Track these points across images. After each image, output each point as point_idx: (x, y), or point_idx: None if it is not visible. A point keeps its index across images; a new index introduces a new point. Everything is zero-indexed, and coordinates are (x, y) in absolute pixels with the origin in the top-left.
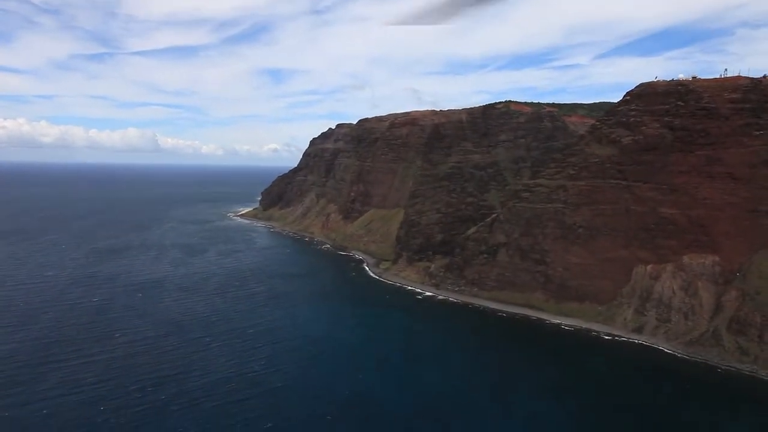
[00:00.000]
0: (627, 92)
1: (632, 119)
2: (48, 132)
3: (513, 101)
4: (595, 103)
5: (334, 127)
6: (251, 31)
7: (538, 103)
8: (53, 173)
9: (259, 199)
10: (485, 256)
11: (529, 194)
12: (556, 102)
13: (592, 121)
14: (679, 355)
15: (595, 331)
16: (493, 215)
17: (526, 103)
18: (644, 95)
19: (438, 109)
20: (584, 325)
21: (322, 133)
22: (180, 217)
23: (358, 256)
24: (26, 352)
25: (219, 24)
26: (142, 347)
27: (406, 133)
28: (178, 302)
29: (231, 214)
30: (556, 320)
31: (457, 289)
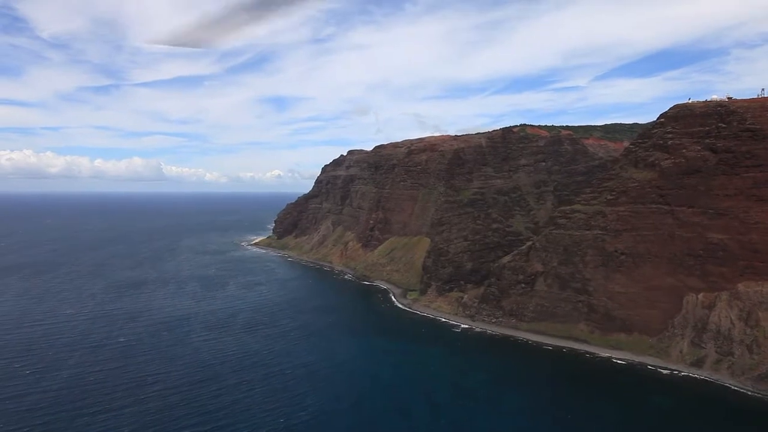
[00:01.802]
0: (661, 114)
1: (670, 142)
2: (54, 163)
3: (528, 125)
4: (608, 124)
5: (345, 154)
6: (254, 61)
7: (553, 126)
8: (60, 203)
9: (272, 227)
10: (523, 285)
11: (565, 221)
12: (556, 124)
13: (610, 144)
14: (750, 393)
15: (650, 366)
16: (529, 243)
17: (541, 126)
18: (681, 117)
19: (454, 134)
20: (636, 358)
21: (333, 160)
22: (193, 247)
23: (383, 286)
24: (53, 403)
25: (223, 54)
26: (177, 397)
27: (425, 159)
28: (207, 342)
29: (244, 243)
30: (605, 353)
31: (494, 320)
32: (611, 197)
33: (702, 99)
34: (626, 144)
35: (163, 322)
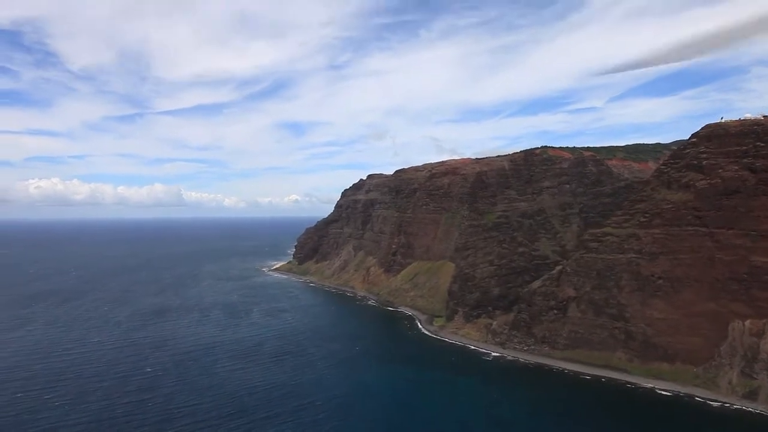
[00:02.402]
0: (693, 134)
1: (705, 162)
2: (80, 190)
3: (549, 146)
4: (630, 145)
5: (364, 178)
6: (272, 88)
7: (574, 147)
8: (84, 230)
9: (292, 252)
10: (555, 311)
11: (597, 244)
12: (576, 145)
13: (635, 164)
14: None
15: (699, 398)
16: (559, 267)
17: (562, 148)
18: (715, 137)
19: (473, 157)
20: (682, 389)
21: (353, 185)
22: (214, 273)
23: (407, 311)
24: None
25: (241, 82)
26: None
27: (447, 183)
28: (234, 373)
29: (265, 269)
30: (648, 384)
31: (526, 348)
32: (644, 219)
33: (722, 117)
34: (651, 164)
35: (189, 352)
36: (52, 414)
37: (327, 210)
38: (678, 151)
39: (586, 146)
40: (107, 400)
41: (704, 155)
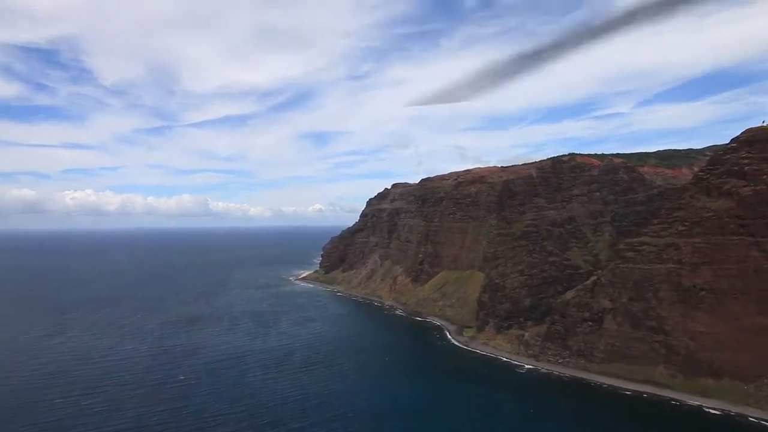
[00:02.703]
0: (733, 139)
1: (747, 168)
2: (112, 200)
3: (577, 153)
4: (661, 151)
5: (389, 187)
6: (295, 99)
7: (603, 154)
8: (116, 239)
9: (317, 260)
10: (590, 323)
11: (633, 254)
12: (603, 152)
13: (667, 171)
14: None
15: (752, 418)
16: (593, 277)
17: (590, 155)
18: (757, 141)
19: (498, 165)
20: (733, 408)
21: (378, 194)
22: (242, 282)
23: (436, 322)
24: None
25: (266, 94)
26: None
27: (474, 191)
28: (265, 383)
29: (292, 278)
30: (694, 401)
31: (560, 361)
32: (683, 228)
33: (764, 120)
34: (685, 171)
35: (220, 360)
36: (91, 420)
37: (350, 219)
38: (717, 157)
39: (615, 153)
40: (143, 407)
41: (746, 161)
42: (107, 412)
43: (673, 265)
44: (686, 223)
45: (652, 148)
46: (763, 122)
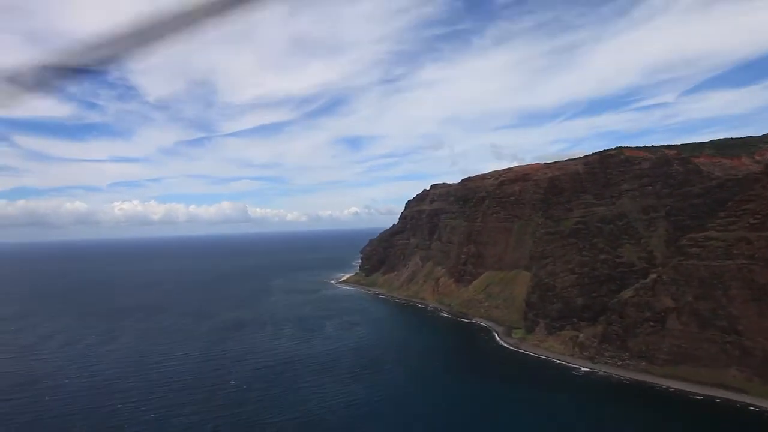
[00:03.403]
0: None
1: None
2: (156, 210)
3: (625, 147)
4: (717, 140)
5: (428, 188)
6: (329, 105)
7: (652, 146)
8: (162, 246)
9: (357, 263)
10: (651, 323)
11: (698, 250)
12: (652, 145)
13: (726, 161)
14: None
15: None
16: (653, 275)
17: (638, 148)
18: None
19: (544, 162)
20: None
21: (417, 195)
22: (283, 287)
23: (483, 323)
24: None
25: (300, 101)
26: None
27: (518, 190)
28: (314, 389)
29: (333, 281)
30: None
31: (620, 363)
32: (755, 221)
33: None
34: (746, 160)
35: (269, 366)
36: (151, 427)
37: (386, 221)
38: None
39: (664, 145)
40: (198, 414)
41: None
42: (164, 419)
43: (744, 261)
44: (758, 216)
45: (701, 138)
46: None
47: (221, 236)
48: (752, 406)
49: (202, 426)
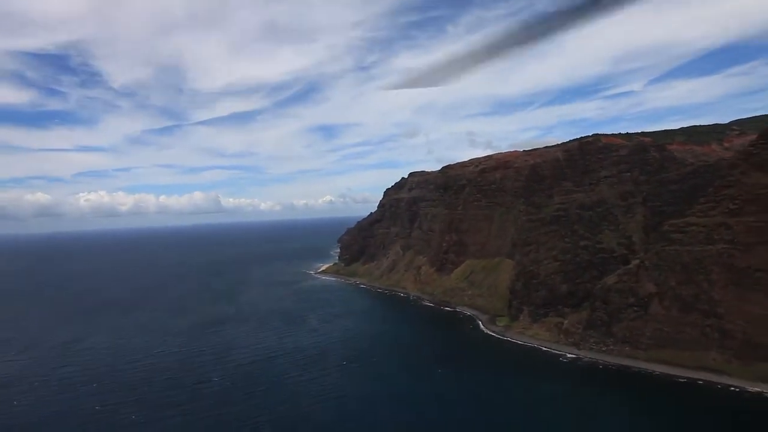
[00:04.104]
0: None
1: None
2: (125, 201)
3: (602, 134)
4: (687, 127)
5: (406, 176)
6: (302, 92)
7: (627, 133)
8: (131, 239)
9: (335, 253)
10: (635, 308)
11: (680, 235)
12: (627, 132)
13: (697, 148)
14: None
15: None
16: (636, 261)
17: (614, 135)
18: None
19: (524, 150)
20: None
21: (395, 183)
22: (262, 278)
23: (467, 312)
24: None
25: (272, 89)
26: None
27: (499, 177)
28: (302, 385)
29: (312, 272)
30: (754, 387)
31: (604, 348)
32: (734, 206)
33: None
34: (716, 147)
35: (253, 362)
36: (134, 431)
37: (361, 210)
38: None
39: (633, 132)
40: (183, 415)
41: None
42: (148, 422)
43: (724, 246)
44: (737, 201)
45: (666, 126)
46: None
47: (194, 227)
48: (733, 386)
49: (188, 427)
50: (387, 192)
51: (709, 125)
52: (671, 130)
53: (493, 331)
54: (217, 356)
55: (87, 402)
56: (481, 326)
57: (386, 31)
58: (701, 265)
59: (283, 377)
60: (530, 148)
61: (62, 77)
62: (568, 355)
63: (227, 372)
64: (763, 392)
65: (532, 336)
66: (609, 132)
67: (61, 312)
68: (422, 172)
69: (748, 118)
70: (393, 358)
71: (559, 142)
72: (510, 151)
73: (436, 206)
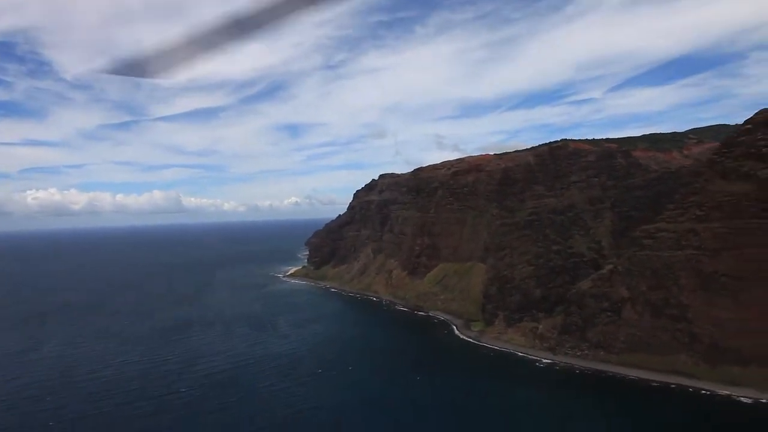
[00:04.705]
0: (747, 120)
1: (765, 150)
2: (77, 199)
3: (570, 140)
4: (648, 134)
5: (376, 178)
6: (268, 90)
7: (594, 139)
8: (85, 239)
9: (303, 255)
10: (609, 313)
11: (651, 241)
12: (593, 138)
13: (659, 155)
14: None
15: None
16: (609, 266)
17: (582, 141)
18: None
19: (495, 153)
20: (764, 396)
21: (366, 185)
22: (228, 281)
23: (440, 316)
24: None
25: (237, 85)
26: None
27: (471, 181)
28: (276, 394)
29: (280, 275)
30: (723, 390)
31: (579, 353)
32: (701, 213)
33: (725, 103)
34: (676, 154)
35: (222, 370)
36: None
37: (328, 211)
38: (731, 139)
39: (604, 138)
40: (149, 430)
41: (763, 142)
42: None
43: (692, 251)
44: (704, 208)
45: (625, 133)
46: None
47: (153, 227)
48: (704, 389)
49: None
50: (357, 194)
51: (668, 133)
52: (634, 137)
53: (468, 336)
54: (184, 365)
55: (39, 418)
56: (456, 331)
57: (354, 30)
58: (671, 270)
59: (256, 387)
60: (499, 152)
61: (7, 66)
62: (544, 360)
63: (196, 382)
64: (731, 395)
65: (508, 341)
66: (572, 137)
67: (6, 317)
68: (393, 174)
69: (704, 127)
70: (368, 364)
71: (526, 146)
72: (482, 155)
73: (407, 209)
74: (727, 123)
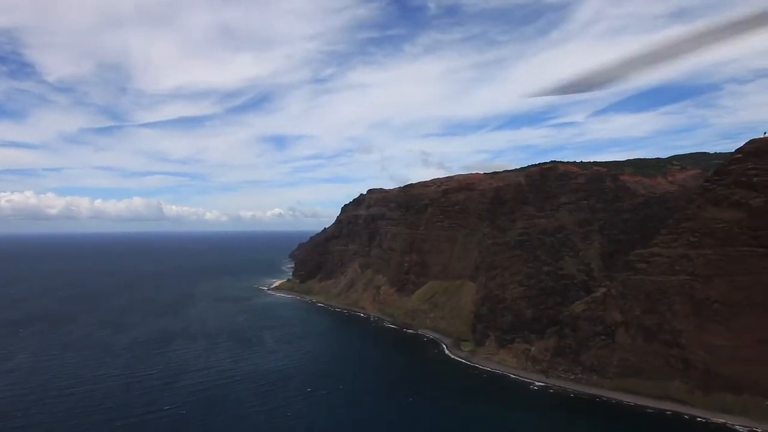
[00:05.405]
0: (738, 150)
1: (756, 179)
2: (54, 203)
3: (559, 161)
4: (632, 159)
5: (364, 193)
6: (255, 101)
7: (582, 162)
8: (61, 245)
9: (287, 268)
10: (602, 337)
11: (645, 265)
12: (582, 161)
13: (645, 180)
14: None
15: None
16: (603, 290)
17: (570, 163)
18: (763, 153)
19: (484, 172)
20: (759, 426)
21: (354, 199)
22: (210, 293)
23: (429, 335)
24: None
25: (224, 95)
26: None
27: (463, 199)
28: (265, 415)
29: (265, 288)
30: (718, 418)
31: (572, 377)
32: (694, 239)
33: (766, 132)
34: (660, 180)
35: (207, 388)
36: None
37: (311, 224)
38: (722, 167)
39: (591, 161)
40: None
41: (753, 171)
42: None
43: (686, 277)
44: (697, 234)
45: (606, 157)
46: (765, 133)
47: (132, 234)
48: (699, 417)
49: None
50: (345, 208)
51: (652, 159)
52: (620, 161)
53: (459, 356)
54: (167, 380)
55: None
56: (446, 350)
57: (343, 46)
58: (665, 295)
59: (243, 406)
60: (483, 171)
61: None
62: (537, 383)
63: (179, 399)
64: (726, 423)
65: (500, 362)
66: (555, 159)
67: None
68: (381, 190)
69: (686, 153)
70: (360, 385)
71: (510, 166)
72: (472, 173)
73: (396, 225)
74: (706, 151)
